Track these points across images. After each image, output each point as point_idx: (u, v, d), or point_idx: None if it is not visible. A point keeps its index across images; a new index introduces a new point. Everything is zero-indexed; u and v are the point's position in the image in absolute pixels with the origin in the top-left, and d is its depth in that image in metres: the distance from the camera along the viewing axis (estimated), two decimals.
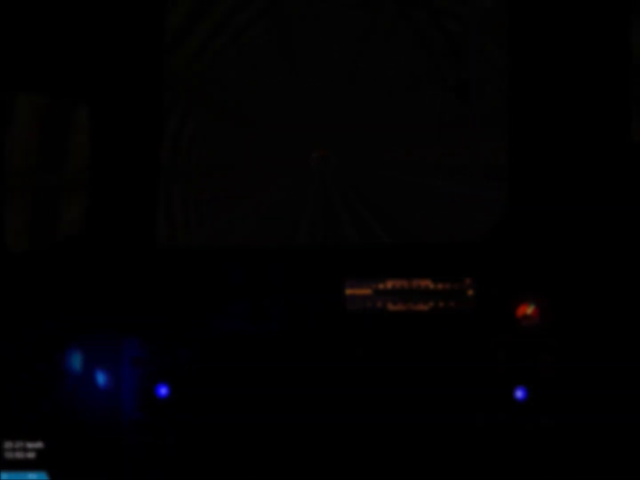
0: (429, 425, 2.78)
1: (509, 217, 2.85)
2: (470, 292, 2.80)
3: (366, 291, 2.82)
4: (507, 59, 2.83)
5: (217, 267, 2.82)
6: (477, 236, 2.89)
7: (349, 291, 2.82)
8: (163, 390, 2.77)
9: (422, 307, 2.82)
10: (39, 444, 2.17)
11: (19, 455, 2.16)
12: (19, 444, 2.16)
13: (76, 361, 2.57)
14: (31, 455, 2.17)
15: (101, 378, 2.73)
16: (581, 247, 2.77)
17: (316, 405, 2.79)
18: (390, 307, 2.82)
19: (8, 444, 2.15)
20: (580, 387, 2.74)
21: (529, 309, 2.77)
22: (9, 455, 2.15)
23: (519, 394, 2.76)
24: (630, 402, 2.70)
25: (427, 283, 2.82)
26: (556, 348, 2.76)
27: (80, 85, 2.66)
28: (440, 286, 2.82)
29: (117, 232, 2.81)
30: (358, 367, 2.79)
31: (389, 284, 2.83)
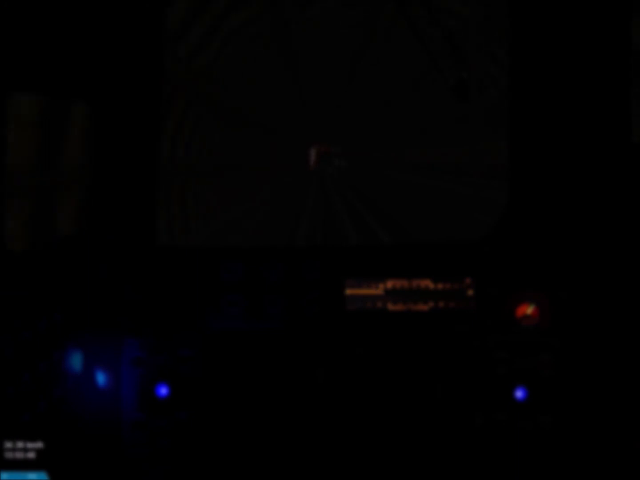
0: (428, 425, 2.78)
1: (509, 217, 2.85)
2: (470, 292, 2.80)
3: (366, 291, 2.82)
4: (507, 59, 2.83)
5: (217, 267, 2.82)
6: (477, 236, 2.89)
7: (349, 291, 2.82)
8: (163, 390, 2.77)
9: (422, 307, 2.81)
10: (39, 444, 2.17)
11: (19, 455, 2.16)
12: (19, 444, 2.16)
13: (76, 361, 2.56)
14: (31, 455, 2.16)
15: (101, 378, 2.73)
16: (581, 247, 2.77)
17: (316, 404, 2.79)
18: (390, 307, 2.82)
19: (8, 444, 2.15)
20: (580, 387, 2.74)
21: (529, 309, 2.77)
22: (9, 455, 2.15)
23: (519, 394, 2.76)
24: (630, 402, 2.70)
25: (427, 283, 2.82)
26: (556, 348, 2.76)
27: (81, 84, 2.66)
28: (440, 286, 2.82)
29: (117, 232, 2.81)
30: (358, 367, 2.79)
31: (389, 284, 2.83)
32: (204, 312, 2.80)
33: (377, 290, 2.82)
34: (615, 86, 2.71)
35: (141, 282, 2.79)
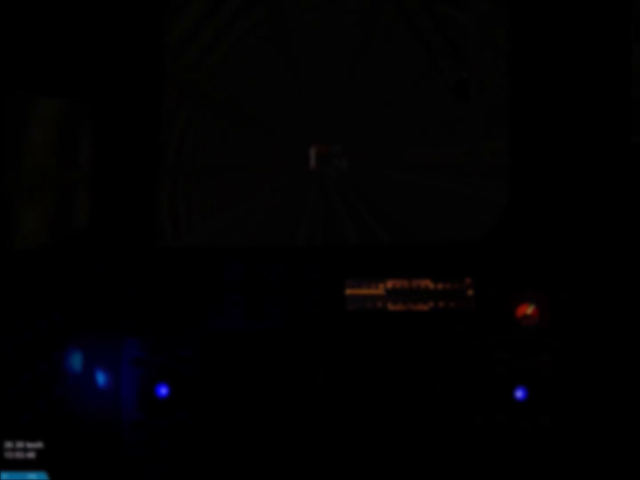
0: (428, 425, 2.78)
1: (509, 217, 2.85)
2: (470, 292, 2.80)
3: (366, 291, 2.82)
4: (507, 59, 2.83)
5: (217, 267, 2.82)
6: (477, 236, 2.89)
7: (349, 291, 2.82)
8: (163, 390, 2.77)
9: (422, 307, 2.81)
10: (39, 444, 2.17)
11: (19, 455, 2.16)
12: (19, 444, 2.15)
13: (76, 361, 2.56)
14: (31, 455, 2.16)
15: (101, 378, 2.73)
16: (581, 247, 2.77)
17: (316, 404, 2.79)
18: (390, 307, 2.82)
19: (8, 444, 2.14)
20: (579, 387, 2.74)
21: (529, 309, 2.77)
22: (9, 455, 2.14)
23: (519, 394, 2.76)
24: (630, 402, 2.70)
25: (427, 283, 2.82)
26: (556, 348, 2.76)
27: (83, 85, 2.66)
28: (440, 286, 2.82)
29: (117, 232, 2.81)
30: (358, 367, 2.79)
31: (389, 284, 2.83)
32: (204, 312, 2.80)
33: (377, 290, 2.82)
34: (615, 86, 2.71)
35: (141, 282, 2.79)
